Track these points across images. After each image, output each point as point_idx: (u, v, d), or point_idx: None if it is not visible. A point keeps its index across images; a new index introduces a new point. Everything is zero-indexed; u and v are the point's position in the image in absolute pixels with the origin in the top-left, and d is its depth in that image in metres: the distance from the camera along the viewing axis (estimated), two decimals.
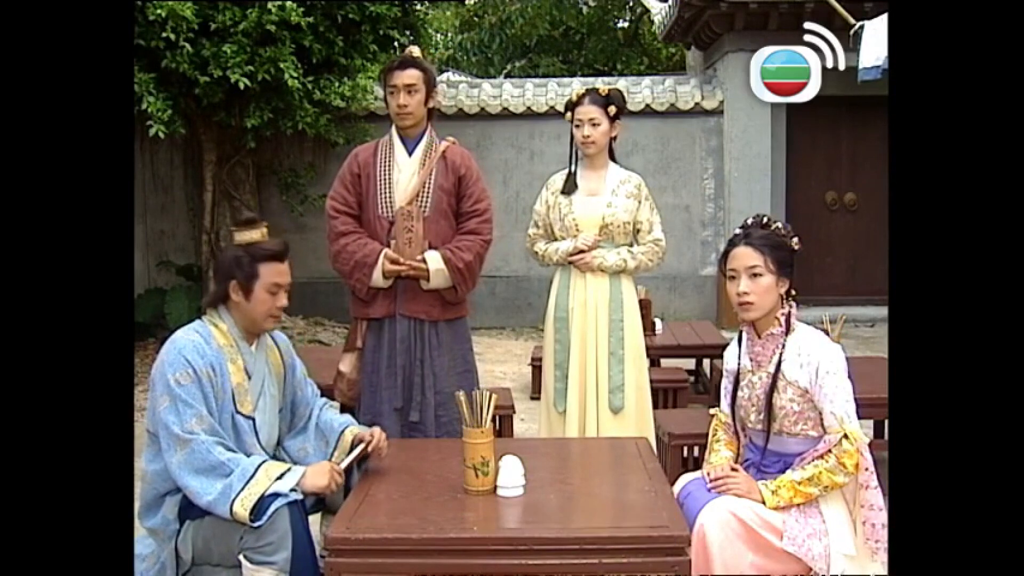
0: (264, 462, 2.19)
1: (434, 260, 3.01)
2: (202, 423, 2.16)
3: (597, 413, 3.34)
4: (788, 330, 2.36)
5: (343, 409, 3.12)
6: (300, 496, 2.18)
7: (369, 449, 2.41)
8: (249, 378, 2.33)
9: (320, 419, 2.54)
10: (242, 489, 2.10)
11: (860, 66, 4.73)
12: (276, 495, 2.12)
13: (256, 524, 2.08)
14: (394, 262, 2.99)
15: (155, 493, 2.26)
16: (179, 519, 2.23)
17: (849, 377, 2.30)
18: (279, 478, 2.15)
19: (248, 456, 2.21)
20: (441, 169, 3.09)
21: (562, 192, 3.42)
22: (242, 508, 2.08)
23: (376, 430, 2.47)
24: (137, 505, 2.27)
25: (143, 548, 2.26)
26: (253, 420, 2.33)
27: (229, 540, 2.14)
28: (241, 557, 2.12)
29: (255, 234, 2.36)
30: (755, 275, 2.33)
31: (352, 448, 2.43)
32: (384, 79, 3.13)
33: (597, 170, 3.43)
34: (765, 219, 2.42)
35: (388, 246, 3.03)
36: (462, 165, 3.12)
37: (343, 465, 2.34)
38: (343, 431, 2.49)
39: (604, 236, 3.38)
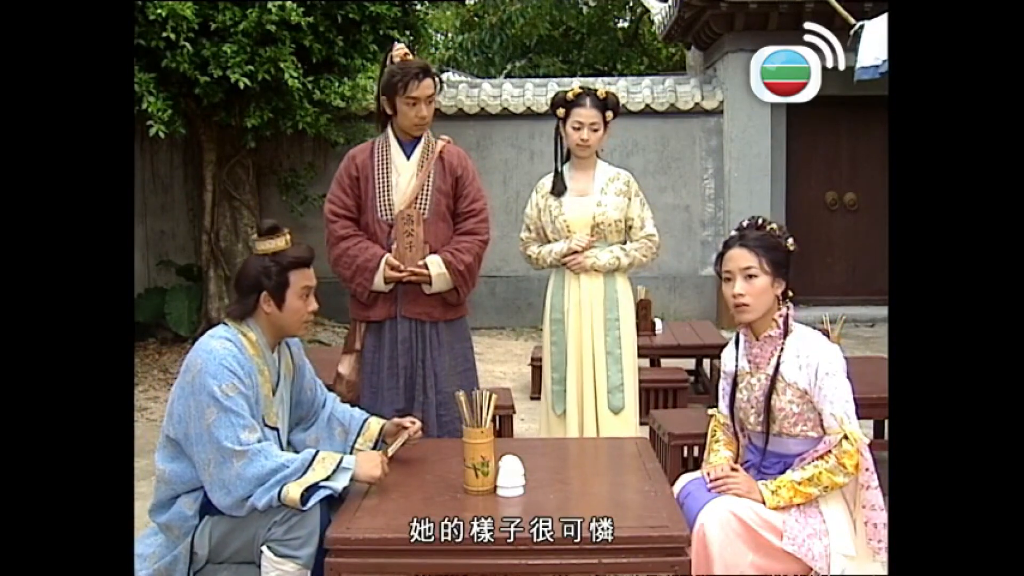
0: (317, 453, 2.20)
1: (435, 264, 3.00)
2: (254, 432, 2.15)
3: (596, 414, 3.34)
4: (786, 332, 2.35)
5: None
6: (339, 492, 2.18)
7: (411, 435, 2.46)
8: (275, 389, 2.33)
9: (335, 411, 2.57)
10: (299, 477, 2.11)
11: (857, 65, 4.72)
12: (326, 487, 2.13)
13: (304, 508, 2.09)
14: (395, 269, 2.99)
15: (172, 493, 2.24)
16: (199, 514, 2.21)
17: (849, 377, 2.30)
18: (334, 471, 2.16)
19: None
20: (439, 170, 3.08)
21: (552, 193, 3.42)
22: (296, 489, 2.09)
23: (413, 418, 2.53)
24: (150, 501, 2.28)
25: (144, 548, 2.25)
26: (277, 431, 2.33)
27: (252, 531, 2.13)
28: (265, 548, 2.11)
29: (280, 242, 2.30)
30: (750, 276, 2.33)
31: (378, 438, 2.49)
32: (397, 89, 2.97)
33: (586, 170, 3.41)
34: (760, 220, 2.42)
35: (388, 250, 3.02)
36: (459, 166, 3.11)
37: (391, 454, 2.37)
38: (365, 420, 2.54)
39: (596, 236, 3.37)
